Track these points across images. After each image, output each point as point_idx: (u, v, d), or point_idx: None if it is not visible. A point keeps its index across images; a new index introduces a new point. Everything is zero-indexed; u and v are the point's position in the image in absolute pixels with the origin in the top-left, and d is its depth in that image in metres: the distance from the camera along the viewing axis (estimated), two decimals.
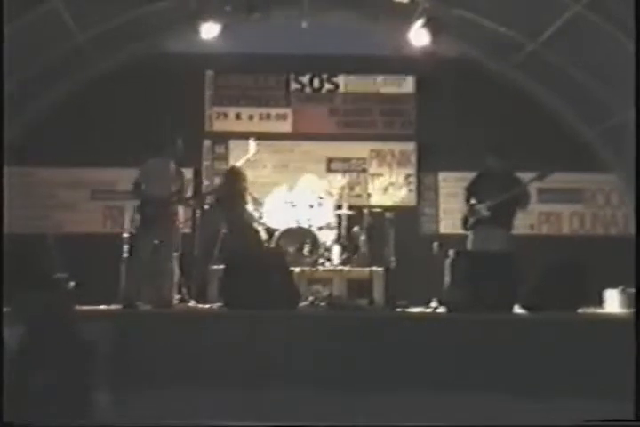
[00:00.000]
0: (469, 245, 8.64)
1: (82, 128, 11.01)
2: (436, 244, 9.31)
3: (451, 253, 8.07)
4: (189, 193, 9.83)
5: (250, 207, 9.72)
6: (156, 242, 8.39)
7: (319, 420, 5.46)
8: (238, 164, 10.04)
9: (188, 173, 11.12)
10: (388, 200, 11.44)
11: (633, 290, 8.60)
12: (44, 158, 11.05)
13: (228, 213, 9.55)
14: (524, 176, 8.68)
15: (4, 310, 4.86)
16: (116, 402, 5.24)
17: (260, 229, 9.74)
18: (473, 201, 8.73)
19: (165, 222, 8.46)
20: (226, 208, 9.57)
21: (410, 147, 11.73)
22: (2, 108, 8.54)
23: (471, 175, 9.14)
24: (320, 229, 9.95)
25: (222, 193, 9.74)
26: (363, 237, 9.99)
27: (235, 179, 9.64)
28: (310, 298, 8.79)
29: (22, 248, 8.00)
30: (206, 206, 9.84)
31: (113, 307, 8.06)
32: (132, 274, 8.46)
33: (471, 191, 8.85)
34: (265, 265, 7.85)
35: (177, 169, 8.75)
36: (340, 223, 10.07)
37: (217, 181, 11.31)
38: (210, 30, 10.00)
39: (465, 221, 8.79)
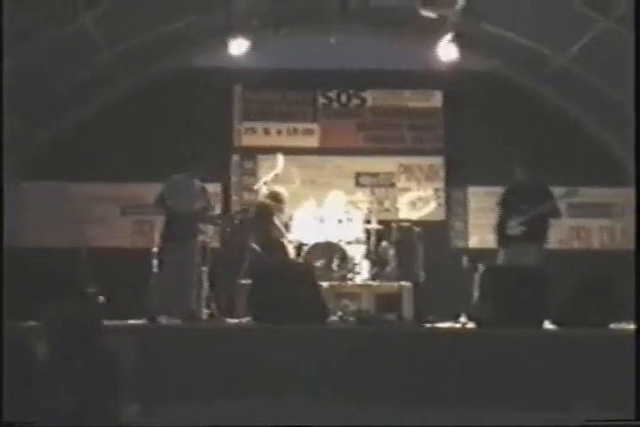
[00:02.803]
0: (501, 261, 8.61)
1: (111, 143, 11.08)
2: (465, 258, 9.28)
3: (480, 267, 8.04)
4: (217, 210, 9.96)
5: (278, 222, 9.78)
6: (180, 257, 8.44)
7: None
8: (267, 178, 10.09)
9: (216, 188, 11.34)
10: (416, 214, 11.40)
11: None
12: (76, 173, 11.12)
13: (256, 230, 9.62)
14: (554, 191, 8.69)
15: (36, 323, 4.90)
16: (144, 416, 5.26)
17: (287, 243, 9.76)
18: (503, 217, 8.72)
19: (189, 238, 8.50)
20: (255, 225, 9.65)
21: (438, 161, 11.70)
22: (1, 110, 8.61)
23: (500, 190, 9.13)
24: (349, 243, 9.93)
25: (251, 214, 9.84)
26: (391, 252, 9.96)
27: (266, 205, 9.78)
28: (339, 313, 8.76)
29: (56, 262, 8.08)
30: (235, 221, 9.92)
31: (139, 322, 8.09)
32: (158, 289, 8.48)
33: (503, 206, 8.84)
34: (293, 280, 7.84)
35: (202, 187, 8.79)
36: (368, 238, 10.04)
37: (246, 196, 11.36)
38: (239, 46, 10.09)
39: (499, 238, 8.77)
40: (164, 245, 8.58)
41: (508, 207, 8.77)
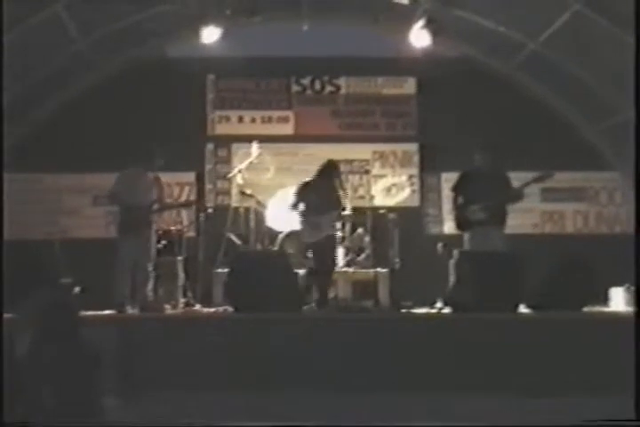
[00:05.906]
0: (468, 246, 8.57)
1: (84, 133, 11.02)
2: (440, 244, 9.32)
3: (455, 253, 8.07)
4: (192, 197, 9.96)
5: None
6: (135, 249, 8.42)
7: (322, 421, 5.46)
8: (241, 167, 10.07)
9: (190, 177, 11.31)
10: (391, 201, 11.43)
11: None
12: (48, 164, 11.05)
13: None
14: (525, 176, 8.69)
15: (11, 315, 4.87)
16: (125, 407, 5.24)
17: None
18: (462, 201, 8.67)
19: (143, 230, 8.49)
20: None
21: (412, 148, 11.73)
22: (1, 110, 8.55)
23: None
24: None
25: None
26: (367, 239, 9.99)
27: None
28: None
29: (30, 254, 8.03)
30: (210, 210, 9.91)
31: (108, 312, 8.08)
32: (118, 280, 8.45)
33: (459, 191, 8.76)
34: (270, 268, 7.85)
35: (154, 178, 8.75)
36: (343, 225, 10.05)
37: (220, 184, 11.35)
38: (211, 34, 10.03)
39: (460, 222, 8.72)
40: (120, 237, 8.56)
41: (466, 192, 8.69)
